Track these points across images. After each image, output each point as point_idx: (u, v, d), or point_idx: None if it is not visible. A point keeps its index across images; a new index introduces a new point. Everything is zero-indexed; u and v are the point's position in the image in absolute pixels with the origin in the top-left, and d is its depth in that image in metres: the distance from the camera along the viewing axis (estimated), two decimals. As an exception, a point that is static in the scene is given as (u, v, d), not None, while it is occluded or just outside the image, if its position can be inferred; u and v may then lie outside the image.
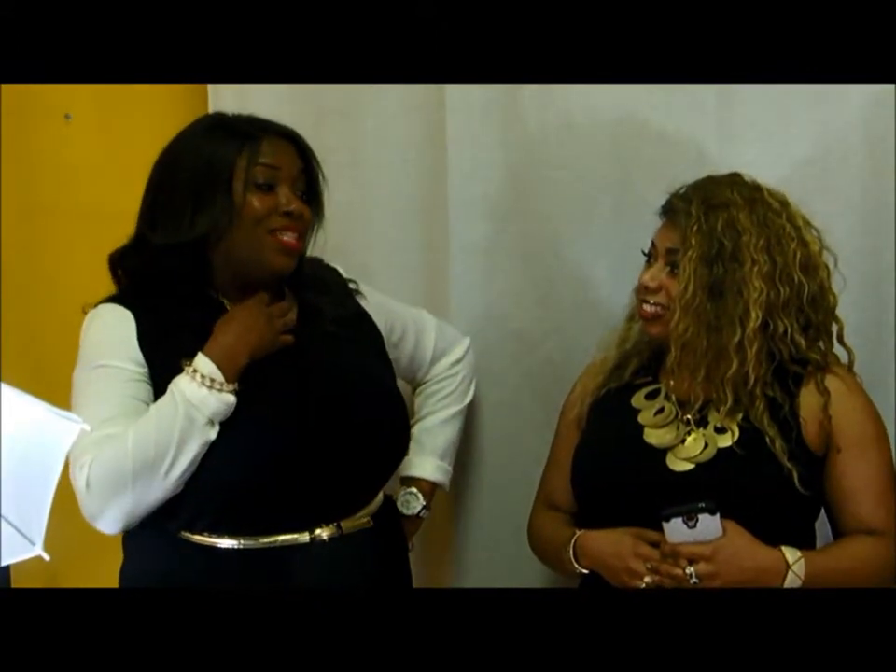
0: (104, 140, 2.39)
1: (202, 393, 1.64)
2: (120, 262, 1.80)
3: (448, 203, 2.21)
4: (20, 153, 2.34)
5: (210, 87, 2.26)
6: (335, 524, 1.76)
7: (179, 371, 1.67)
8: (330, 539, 1.75)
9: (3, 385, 1.26)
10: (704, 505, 1.66)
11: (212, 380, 1.65)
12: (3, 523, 1.26)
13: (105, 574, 1.87)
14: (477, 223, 2.22)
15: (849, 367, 1.84)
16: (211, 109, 2.19)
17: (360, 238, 2.06)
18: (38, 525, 1.30)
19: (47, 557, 1.31)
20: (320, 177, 1.82)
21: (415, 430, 2.03)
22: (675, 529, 1.67)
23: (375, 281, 1.99)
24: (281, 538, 1.74)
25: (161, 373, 1.69)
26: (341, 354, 1.83)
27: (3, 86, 2.27)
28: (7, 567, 2.25)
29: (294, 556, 1.74)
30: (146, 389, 1.71)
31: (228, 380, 1.66)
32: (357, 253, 1.95)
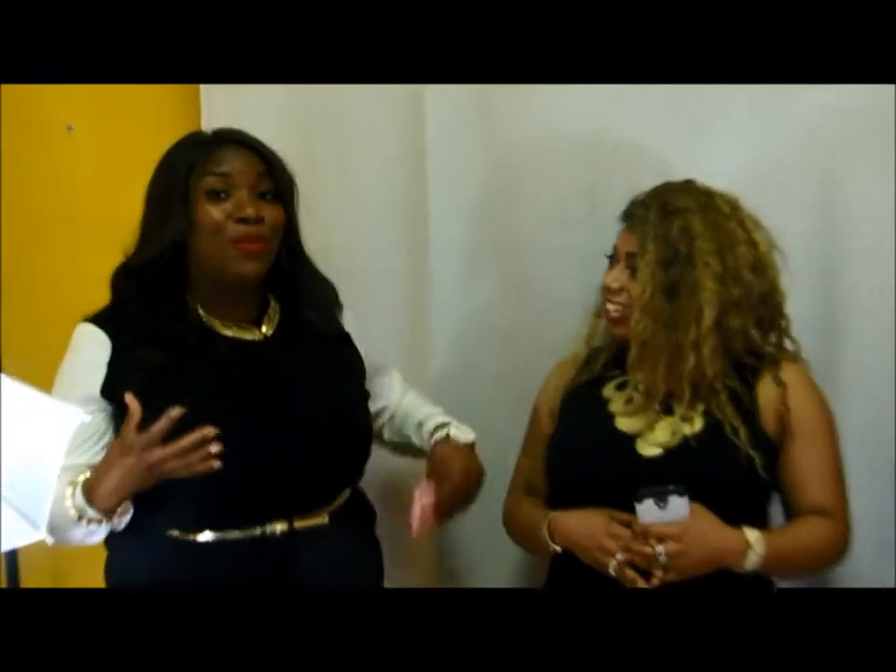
0: (103, 151, 2.37)
1: (74, 522, 1.62)
2: (113, 280, 1.78)
3: (429, 208, 2.21)
4: (23, 163, 2.33)
5: (204, 105, 2.24)
6: (287, 521, 1.74)
7: (144, 388, 1.63)
8: (282, 533, 1.74)
9: (6, 377, 1.26)
10: (674, 488, 1.67)
11: (84, 517, 1.62)
12: (7, 508, 1.26)
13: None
14: (456, 226, 2.22)
15: (799, 357, 1.84)
16: (203, 125, 2.17)
17: (347, 240, 2.07)
18: (41, 510, 1.29)
19: (50, 541, 1.31)
20: (284, 175, 1.77)
21: (400, 416, 2.01)
22: (646, 510, 1.68)
23: (361, 281, 1.99)
24: (238, 532, 1.73)
25: (125, 391, 1.64)
26: (314, 370, 1.81)
27: (7, 98, 2.26)
28: (16, 565, 2.25)
29: (252, 549, 1.73)
30: (100, 423, 1.71)
31: (104, 514, 1.63)
32: (344, 254, 1.94)
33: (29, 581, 2.29)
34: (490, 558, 2.30)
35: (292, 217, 1.79)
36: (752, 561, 1.69)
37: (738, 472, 1.73)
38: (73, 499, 1.61)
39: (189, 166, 1.71)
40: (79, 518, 1.62)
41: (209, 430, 1.56)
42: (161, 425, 1.56)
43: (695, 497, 1.69)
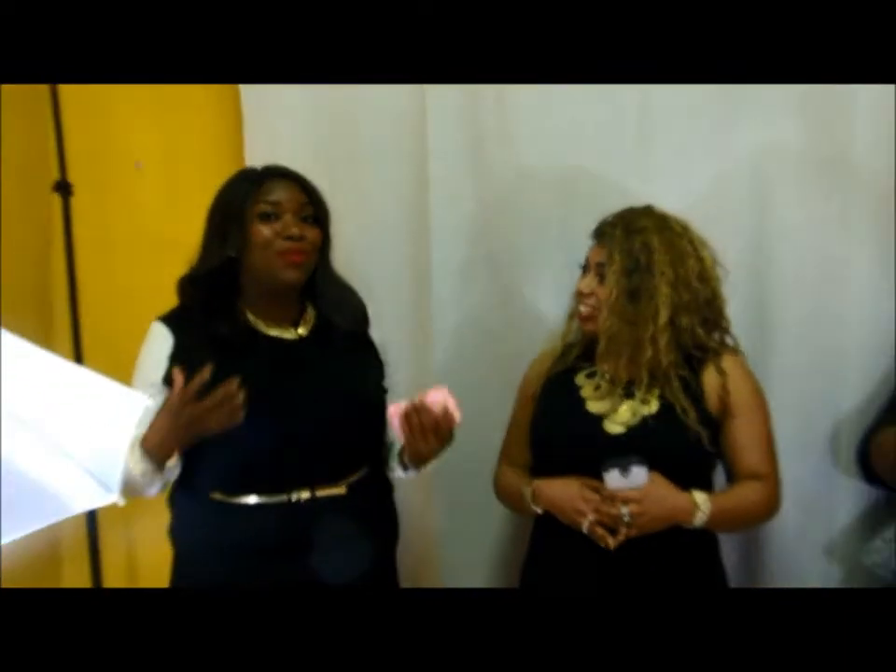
0: (167, 184, 2.37)
1: (135, 474, 1.62)
2: (178, 286, 1.79)
3: (430, 228, 2.20)
4: (99, 195, 2.32)
5: (246, 146, 2.25)
6: (310, 489, 1.73)
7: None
8: (305, 500, 1.73)
9: (87, 370, 1.26)
10: (635, 459, 1.68)
11: (140, 468, 1.63)
12: (86, 475, 1.23)
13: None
14: (453, 243, 2.21)
15: (738, 351, 1.84)
16: (247, 162, 2.18)
17: (362, 258, 2.06)
18: (114, 476, 1.24)
19: (122, 502, 1.26)
20: (322, 204, 1.78)
21: None
22: (612, 478, 1.68)
23: (374, 289, 1.97)
24: (272, 498, 1.72)
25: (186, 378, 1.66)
26: (339, 366, 1.80)
27: (85, 140, 2.26)
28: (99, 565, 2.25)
29: (280, 512, 1.72)
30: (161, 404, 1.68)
31: (156, 464, 1.63)
32: (360, 269, 1.93)
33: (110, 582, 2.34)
34: (481, 525, 2.28)
35: (327, 238, 1.80)
36: (700, 519, 1.69)
37: (688, 446, 1.73)
38: (132, 453, 1.62)
39: (244, 195, 1.73)
40: (135, 469, 1.63)
41: (233, 385, 1.55)
42: (194, 384, 1.56)
43: (652, 466, 1.69)
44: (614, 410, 1.78)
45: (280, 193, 1.73)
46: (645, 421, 1.75)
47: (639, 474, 1.68)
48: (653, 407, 1.76)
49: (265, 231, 1.71)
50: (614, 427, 1.77)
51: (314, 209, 1.76)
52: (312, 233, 1.75)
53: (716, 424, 1.76)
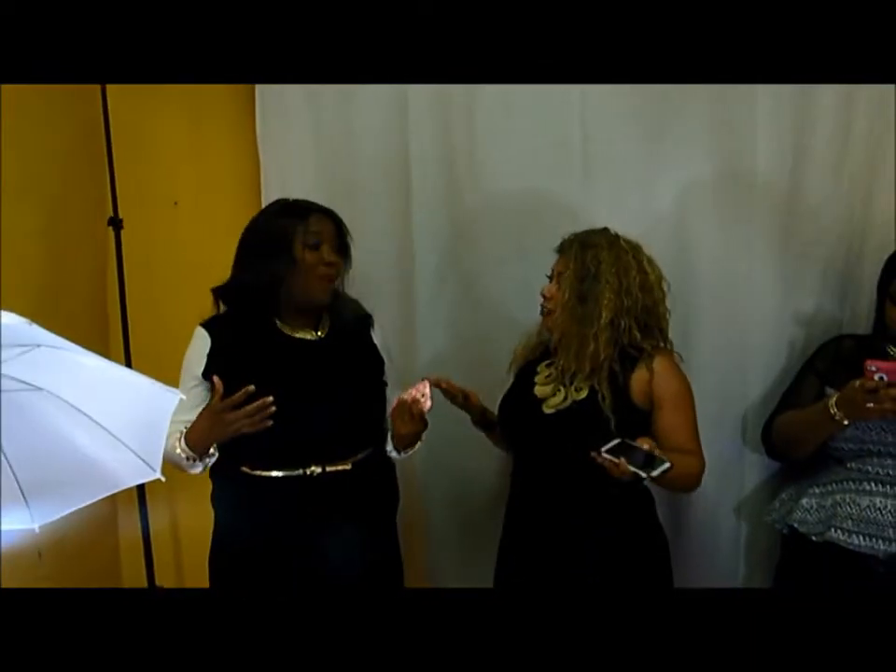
0: (199, 219, 2.42)
1: (181, 459, 1.73)
2: (217, 295, 1.82)
3: (414, 254, 2.27)
4: (144, 228, 2.37)
5: (263, 187, 2.29)
6: (321, 465, 1.79)
7: (232, 371, 1.70)
8: (317, 474, 1.78)
9: (136, 373, 1.29)
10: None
11: (185, 455, 1.73)
12: (133, 455, 1.28)
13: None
14: (434, 262, 2.27)
15: (671, 352, 1.87)
16: (263, 202, 2.23)
17: (363, 277, 2.01)
18: (157, 457, 1.30)
19: (163, 479, 1.31)
20: (348, 238, 1.84)
21: None
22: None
23: (369, 303, 1.98)
24: (289, 472, 1.78)
25: (218, 374, 1.71)
26: (346, 363, 1.84)
27: (131, 182, 2.27)
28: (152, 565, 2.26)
29: (297, 483, 1.78)
30: (201, 393, 1.77)
31: (198, 455, 1.73)
32: (360, 287, 1.94)
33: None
34: (462, 505, 2.35)
35: (346, 264, 1.86)
36: (661, 470, 1.66)
37: (598, 426, 1.74)
38: (179, 444, 1.72)
39: (293, 227, 1.75)
40: (181, 455, 1.73)
41: (268, 399, 1.64)
42: (236, 397, 1.64)
43: (573, 440, 1.74)
44: (552, 395, 1.83)
45: (322, 226, 1.78)
46: (572, 405, 1.79)
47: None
48: (583, 394, 1.79)
49: (310, 257, 1.76)
50: (548, 409, 1.82)
51: (341, 240, 1.81)
52: (339, 261, 1.81)
53: (637, 412, 1.78)
